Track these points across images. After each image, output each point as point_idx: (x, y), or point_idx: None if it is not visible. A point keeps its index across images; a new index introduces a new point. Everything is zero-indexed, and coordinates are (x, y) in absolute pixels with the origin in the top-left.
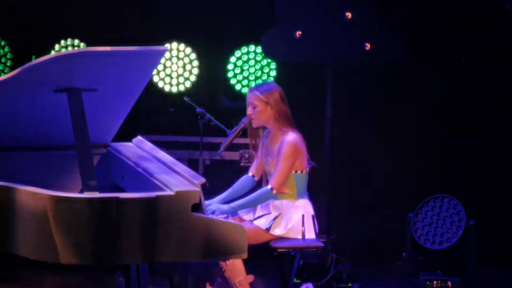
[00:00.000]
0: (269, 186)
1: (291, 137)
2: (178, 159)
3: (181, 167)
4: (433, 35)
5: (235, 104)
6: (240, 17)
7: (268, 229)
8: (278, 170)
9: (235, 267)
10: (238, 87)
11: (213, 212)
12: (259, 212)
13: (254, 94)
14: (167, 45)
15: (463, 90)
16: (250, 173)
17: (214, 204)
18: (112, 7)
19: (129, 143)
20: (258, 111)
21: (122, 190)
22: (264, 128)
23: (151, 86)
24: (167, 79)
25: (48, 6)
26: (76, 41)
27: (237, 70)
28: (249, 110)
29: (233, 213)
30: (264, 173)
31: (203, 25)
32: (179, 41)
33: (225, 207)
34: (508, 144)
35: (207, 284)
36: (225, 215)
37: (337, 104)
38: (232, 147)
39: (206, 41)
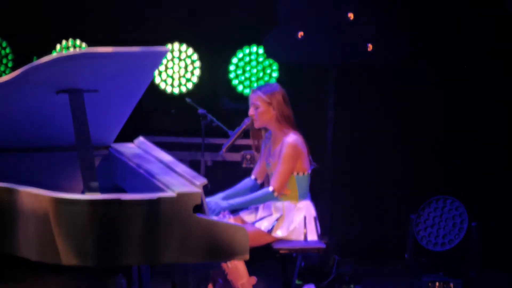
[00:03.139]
0: (270, 188)
1: (292, 138)
2: (180, 160)
3: (182, 168)
4: (435, 36)
5: (237, 105)
6: (242, 18)
7: (269, 231)
8: (278, 171)
9: (237, 269)
10: (240, 88)
11: (213, 211)
12: (260, 214)
13: (257, 95)
14: (169, 46)
15: (464, 91)
16: (252, 176)
17: (213, 201)
18: (114, 7)
19: (131, 144)
20: (260, 112)
21: (123, 191)
22: (266, 129)
23: (153, 87)
24: (169, 80)
25: (49, 7)
26: (78, 42)
27: (239, 71)
28: (251, 111)
29: (235, 214)
30: (267, 176)
31: (205, 26)
32: (181, 42)
33: (224, 203)
34: (511, 145)
35: (209, 285)
36: (227, 216)
37: (339, 105)
38: (234, 148)
39: (208, 42)
